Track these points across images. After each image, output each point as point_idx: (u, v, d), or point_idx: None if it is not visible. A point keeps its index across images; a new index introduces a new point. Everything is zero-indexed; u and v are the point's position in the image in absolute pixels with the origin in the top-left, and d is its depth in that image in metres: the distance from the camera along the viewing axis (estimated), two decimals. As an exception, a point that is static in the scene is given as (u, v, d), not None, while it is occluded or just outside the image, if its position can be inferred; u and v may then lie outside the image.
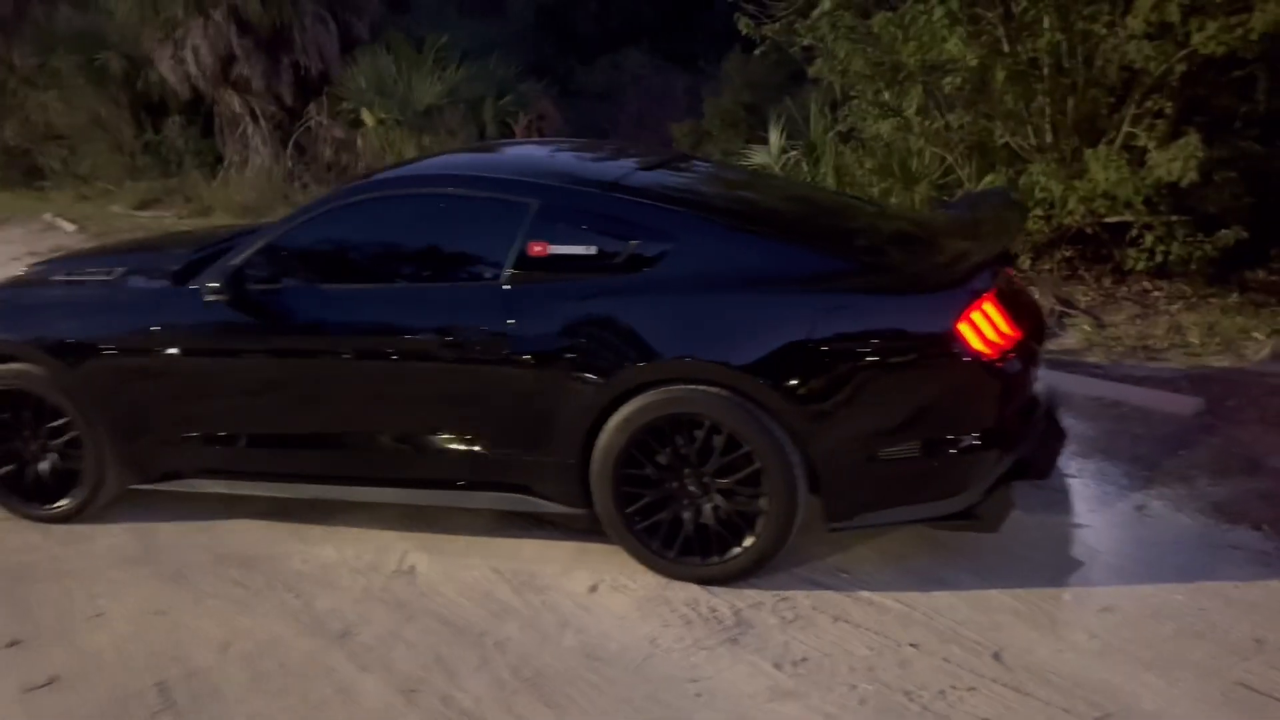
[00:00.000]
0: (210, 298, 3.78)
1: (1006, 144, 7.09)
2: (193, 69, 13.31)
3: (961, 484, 3.34)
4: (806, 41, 7.07)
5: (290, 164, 13.25)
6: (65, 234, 11.70)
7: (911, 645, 3.15)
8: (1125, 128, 6.31)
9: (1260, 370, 5.46)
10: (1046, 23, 6.24)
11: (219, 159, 14.26)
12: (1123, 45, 6.04)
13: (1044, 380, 3.85)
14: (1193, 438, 4.53)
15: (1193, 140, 5.59)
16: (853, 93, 7.33)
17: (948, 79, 6.25)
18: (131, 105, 14.82)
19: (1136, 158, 6.33)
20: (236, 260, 3.86)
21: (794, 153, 8.96)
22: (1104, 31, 6.07)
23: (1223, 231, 6.30)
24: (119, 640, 3.44)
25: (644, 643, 3.25)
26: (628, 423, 3.44)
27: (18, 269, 5.72)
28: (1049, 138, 6.79)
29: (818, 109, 8.52)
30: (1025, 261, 7.03)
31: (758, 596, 3.46)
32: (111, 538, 4.18)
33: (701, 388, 3.36)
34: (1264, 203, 6.81)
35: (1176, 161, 5.52)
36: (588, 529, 3.91)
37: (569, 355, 3.50)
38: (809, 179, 8.29)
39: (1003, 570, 3.53)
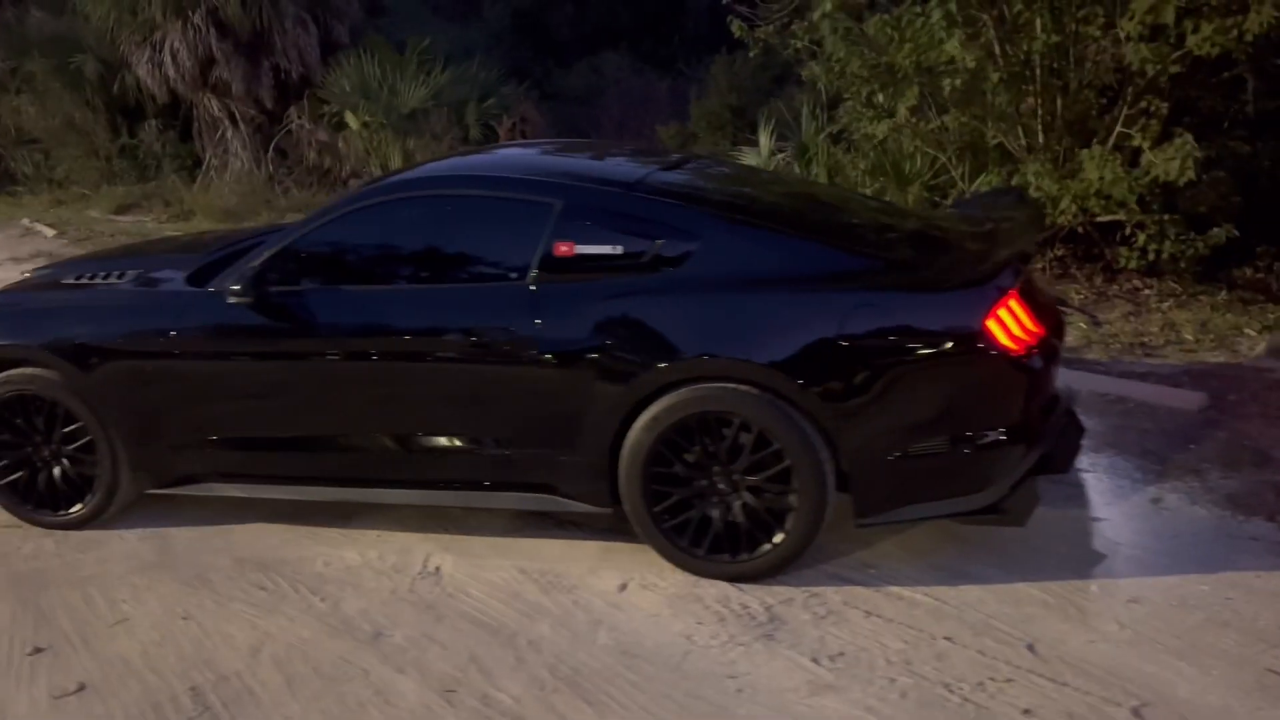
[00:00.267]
0: (233, 300, 3.76)
1: (999, 145, 7.18)
2: (171, 72, 13.24)
3: (988, 479, 3.38)
4: (802, 43, 7.12)
5: (271, 168, 13.16)
6: (45, 239, 11.56)
7: (946, 638, 3.18)
8: (1119, 128, 6.41)
9: (1256, 366, 5.55)
10: (1039, 25, 6.33)
11: (197, 163, 14.18)
12: (1115, 48, 6.15)
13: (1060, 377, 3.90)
14: (1200, 432, 4.60)
15: (1189, 140, 5.69)
16: (846, 95, 7.39)
17: (946, 80, 6.31)
18: (107, 109, 14.71)
19: (1129, 158, 6.44)
20: (256, 262, 3.83)
21: (783, 154, 9.02)
22: (1098, 34, 6.17)
23: (1214, 230, 6.42)
24: (146, 646, 3.41)
25: (679, 640, 3.26)
26: (656, 421, 3.45)
27: (2, 274, 5.65)
28: (1040, 138, 6.89)
29: (809, 111, 8.58)
30: (1019, 260, 7.10)
31: (788, 593, 3.48)
32: (126, 544, 4.14)
33: (732, 386, 3.38)
34: (1250, 202, 6.96)
35: (1174, 161, 5.61)
36: (609, 528, 3.93)
37: (597, 355, 3.50)
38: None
39: (1028, 563, 3.57)
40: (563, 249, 3.60)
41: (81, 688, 3.20)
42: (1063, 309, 6.58)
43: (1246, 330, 6.19)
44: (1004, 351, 3.29)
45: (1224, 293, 6.84)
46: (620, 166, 4.14)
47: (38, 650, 3.42)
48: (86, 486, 4.18)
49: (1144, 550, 3.66)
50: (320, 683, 3.15)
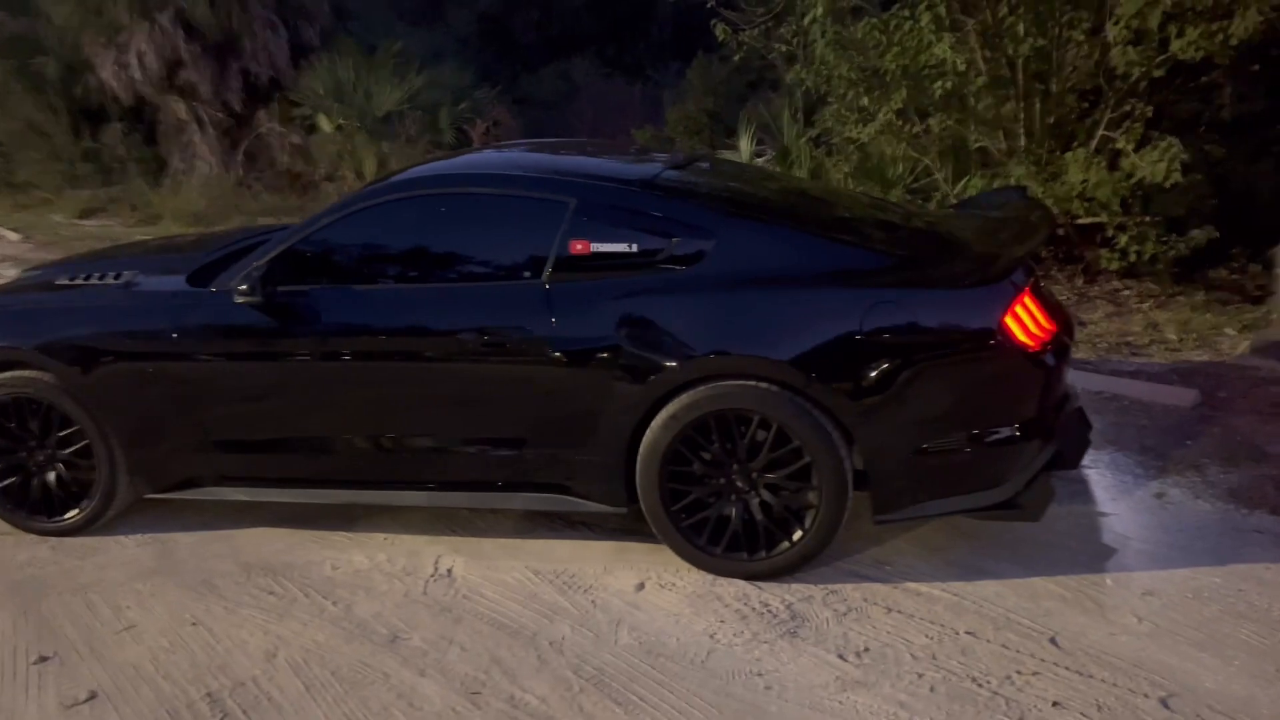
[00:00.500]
0: (241, 299, 3.69)
1: (981, 148, 7.26)
2: (137, 74, 13.03)
3: (1005, 474, 3.41)
4: (789, 47, 7.16)
5: (241, 171, 12.99)
6: (10, 243, 11.31)
7: (968, 633, 3.20)
8: (1101, 131, 6.50)
9: (1240, 364, 5.65)
10: (1022, 29, 6.40)
11: (162, 166, 13.95)
12: (1098, 53, 6.24)
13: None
14: (1195, 428, 4.67)
15: (1175, 143, 5.78)
16: (830, 98, 7.43)
17: (937, 83, 6.37)
18: (69, 112, 14.42)
19: (1109, 160, 6.54)
20: (263, 261, 3.77)
21: (764, 158, 9.05)
22: (1081, 38, 6.25)
23: (1195, 231, 6.53)
24: (156, 653, 3.33)
25: (703, 638, 3.25)
26: (675, 419, 3.44)
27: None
28: (1021, 142, 6.97)
29: (790, 114, 8.62)
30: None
31: (806, 590, 3.48)
32: (125, 549, 4.05)
33: (752, 383, 3.38)
34: (1224, 204, 7.09)
35: (1161, 164, 5.70)
36: (618, 528, 3.92)
37: (613, 353, 3.48)
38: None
39: (1041, 558, 3.60)
40: (578, 247, 3.58)
41: (93, 696, 3.12)
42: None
43: (1226, 330, 6.30)
44: (1021, 348, 3.32)
45: (1201, 293, 6.97)
46: (630, 165, 4.13)
47: (43, 659, 3.34)
48: (83, 491, 4.09)
49: (1153, 544, 3.70)
50: (341, 687, 3.10)
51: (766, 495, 3.47)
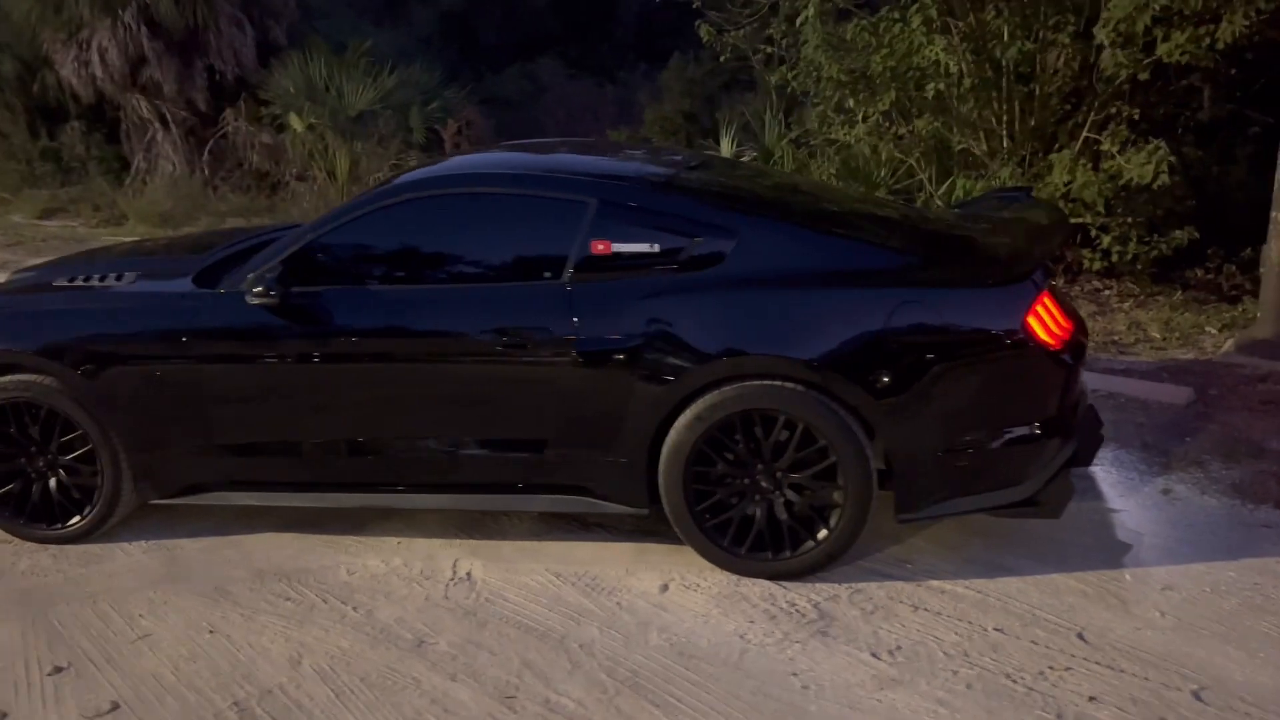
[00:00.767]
0: (254, 301, 3.63)
1: (964, 150, 7.34)
2: (99, 72, 12.77)
3: (1026, 472, 3.44)
4: (773, 49, 7.19)
5: (206, 171, 12.78)
6: (-30, 244, 11.04)
7: (997, 630, 3.23)
8: (1085, 133, 6.60)
9: (1225, 362, 5.76)
10: (1006, 34, 6.49)
11: (125, 166, 13.69)
12: (1080, 55, 6.33)
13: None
14: (1193, 425, 4.76)
15: (1162, 145, 5.89)
16: (817, 99, 7.48)
17: (930, 84, 6.43)
18: (26, 110, 14.12)
19: (1092, 161, 6.64)
20: (277, 261, 3.70)
21: (744, 159, 9.08)
22: (1067, 41, 6.35)
23: (1177, 232, 6.66)
24: (176, 661, 3.26)
25: (734, 639, 3.24)
26: (699, 420, 3.44)
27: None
28: (1005, 143, 7.06)
29: (771, 115, 8.66)
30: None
31: (831, 590, 3.49)
32: (130, 557, 3.97)
33: (777, 383, 3.38)
34: (1201, 205, 7.24)
35: (1148, 165, 5.80)
36: (636, 529, 3.91)
37: (636, 354, 3.47)
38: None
39: (1058, 555, 3.65)
40: (599, 247, 3.56)
41: (115, 707, 3.04)
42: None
43: (1208, 329, 6.43)
44: (1043, 346, 3.36)
45: (1179, 293, 7.11)
46: (649, 164, 4.12)
47: (58, 669, 3.25)
48: (84, 498, 3.99)
49: (1166, 539, 3.76)
50: (371, 693, 3.06)
51: (791, 495, 3.48)
